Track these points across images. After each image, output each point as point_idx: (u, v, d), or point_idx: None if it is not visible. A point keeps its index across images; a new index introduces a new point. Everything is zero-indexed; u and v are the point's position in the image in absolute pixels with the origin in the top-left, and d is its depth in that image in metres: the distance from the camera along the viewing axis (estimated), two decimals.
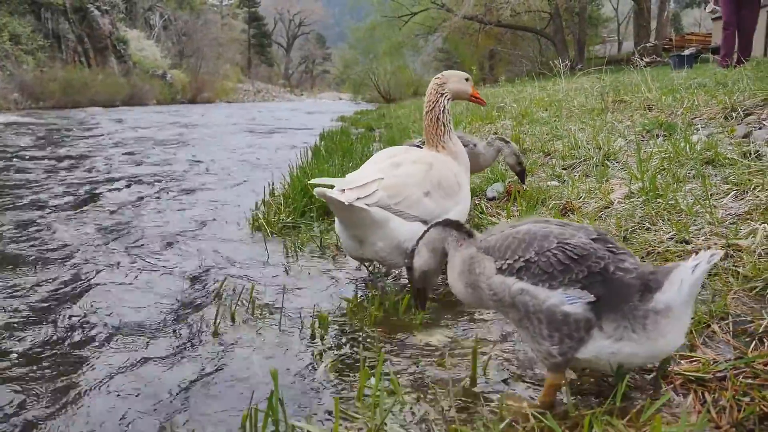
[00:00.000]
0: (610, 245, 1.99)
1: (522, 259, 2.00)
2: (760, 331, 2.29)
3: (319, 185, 3.15)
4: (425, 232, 2.42)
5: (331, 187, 3.10)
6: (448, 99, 3.73)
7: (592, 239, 2.00)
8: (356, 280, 3.76)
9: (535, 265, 1.97)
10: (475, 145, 4.82)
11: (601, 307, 1.89)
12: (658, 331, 1.86)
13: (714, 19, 38.10)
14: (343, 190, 3.05)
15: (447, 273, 2.34)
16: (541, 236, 2.02)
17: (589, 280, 1.90)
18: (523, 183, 5.11)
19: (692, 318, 2.43)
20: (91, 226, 5.32)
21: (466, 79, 3.87)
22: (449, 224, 2.35)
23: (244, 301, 3.27)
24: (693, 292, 1.85)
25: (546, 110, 9.54)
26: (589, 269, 1.90)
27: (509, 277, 2.02)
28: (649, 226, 3.71)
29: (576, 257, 1.92)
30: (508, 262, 2.03)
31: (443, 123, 3.68)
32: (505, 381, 2.37)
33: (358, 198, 3.03)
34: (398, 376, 2.43)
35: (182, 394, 2.37)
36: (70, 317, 3.17)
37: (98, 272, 3.95)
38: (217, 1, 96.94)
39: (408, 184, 3.26)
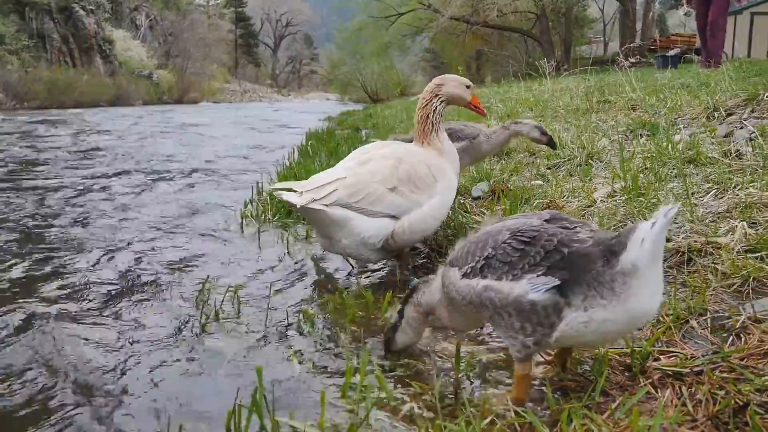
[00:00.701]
0: (564, 222, 2.04)
1: (482, 258, 2.06)
2: (737, 326, 2.33)
3: (278, 189, 3.32)
4: (401, 311, 2.53)
5: (293, 190, 3.27)
6: (442, 101, 3.76)
7: (545, 221, 2.05)
8: (341, 276, 3.77)
9: (494, 259, 2.02)
10: (474, 138, 4.81)
11: (567, 285, 1.91)
12: (628, 292, 1.86)
13: None
14: (302, 192, 3.22)
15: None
16: (495, 232, 2.09)
17: (548, 260, 1.93)
18: (555, 149, 5.14)
19: (671, 314, 2.47)
20: (87, 218, 5.30)
21: (467, 86, 3.86)
22: (409, 296, 2.50)
23: (230, 299, 3.28)
24: (657, 248, 1.84)
25: (532, 110, 9.60)
26: (545, 248, 1.94)
27: (473, 278, 2.07)
28: (631, 224, 3.75)
29: (528, 240, 1.97)
30: (470, 265, 2.10)
31: (432, 122, 3.72)
32: (486, 377, 2.39)
33: (315, 199, 3.19)
34: (384, 372, 2.45)
35: (168, 389, 2.37)
36: (53, 312, 3.16)
37: (87, 264, 3.95)
38: (204, 1, 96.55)
39: (369, 181, 3.35)
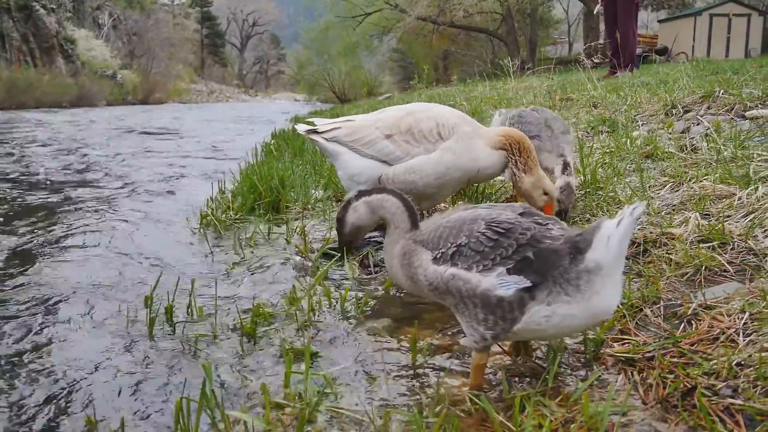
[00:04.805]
0: (536, 217, 2.04)
1: (454, 245, 2.03)
2: (689, 313, 2.38)
3: (301, 122, 4.05)
4: (375, 192, 2.42)
5: (314, 125, 3.90)
6: (514, 175, 3.62)
7: (519, 214, 2.04)
8: (299, 274, 3.74)
9: (467, 248, 2.00)
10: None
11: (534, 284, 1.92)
12: (592, 289, 1.88)
13: (660, 21, 39.21)
14: (316, 126, 3.87)
15: (385, 256, 2.36)
16: (470, 220, 2.06)
17: (519, 253, 1.92)
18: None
19: (625, 302, 2.52)
20: (41, 216, 5.19)
21: (545, 193, 3.62)
22: (407, 205, 2.33)
23: (184, 296, 3.22)
24: (622, 247, 1.86)
25: (496, 108, 9.68)
26: (518, 242, 1.94)
27: (443, 265, 2.05)
28: (589, 216, 3.81)
29: (503, 231, 1.96)
30: (441, 251, 2.07)
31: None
32: (443, 366, 2.40)
33: (317, 132, 3.83)
34: (339, 364, 2.44)
35: (115, 388, 2.33)
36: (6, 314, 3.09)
37: (37, 264, 3.87)
38: (169, 0, 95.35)
39: (370, 126, 3.71)
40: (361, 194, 2.46)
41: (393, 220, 2.33)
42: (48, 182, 7.82)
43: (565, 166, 3.93)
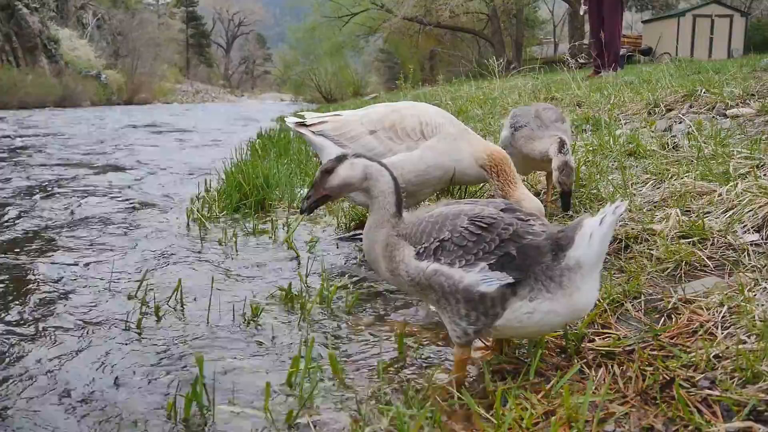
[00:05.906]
0: (518, 213, 2.06)
1: (437, 240, 2.03)
2: (669, 307, 2.41)
3: (291, 116, 4.09)
4: (377, 162, 2.27)
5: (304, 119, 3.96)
6: (495, 184, 3.57)
7: (501, 210, 2.06)
8: (290, 271, 3.75)
9: (450, 243, 2.00)
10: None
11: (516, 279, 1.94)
12: (573, 286, 1.91)
13: (644, 22, 39.50)
14: (305, 120, 3.95)
15: (365, 239, 2.30)
16: (452, 215, 2.06)
17: (502, 249, 1.94)
18: (566, 210, 3.78)
19: (606, 297, 2.54)
20: (25, 213, 5.16)
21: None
22: (396, 189, 2.23)
23: (173, 293, 3.22)
24: (604, 245, 1.89)
25: (481, 108, 9.72)
26: (500, 237, 1.95)
27: (426, 260, 2.05)
28: (572, 214, 3.83)
29: (485, 226, 1.97)
30: (424, 245, 2.06)
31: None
32: (428, 360, 2.41)
33: (305, 125, 3.89)
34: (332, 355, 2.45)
35: (106, 385, 2.32)
36: None
37: (28, 262, 3.84)
38: (154, 0, 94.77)
39: (356, 122, 3.79)
40: (359, 155, 2.30)
41: (380, 198, 2.22)
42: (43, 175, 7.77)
43: (562, 144, 3.70)
